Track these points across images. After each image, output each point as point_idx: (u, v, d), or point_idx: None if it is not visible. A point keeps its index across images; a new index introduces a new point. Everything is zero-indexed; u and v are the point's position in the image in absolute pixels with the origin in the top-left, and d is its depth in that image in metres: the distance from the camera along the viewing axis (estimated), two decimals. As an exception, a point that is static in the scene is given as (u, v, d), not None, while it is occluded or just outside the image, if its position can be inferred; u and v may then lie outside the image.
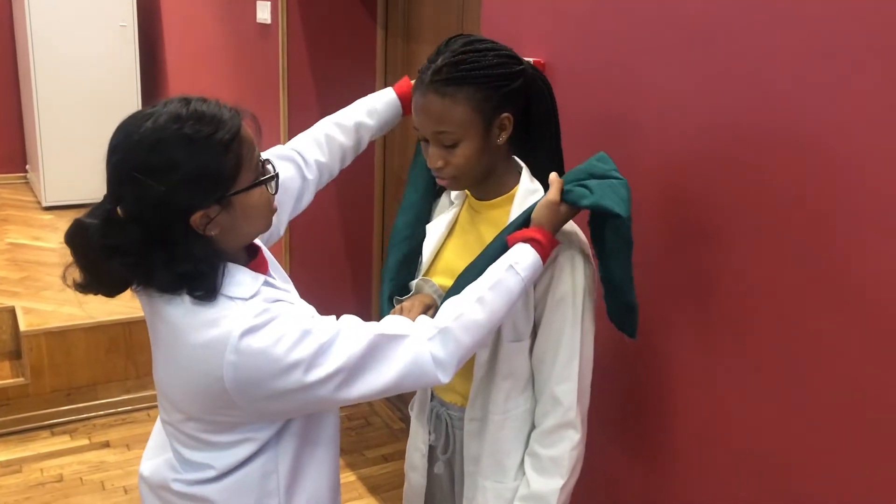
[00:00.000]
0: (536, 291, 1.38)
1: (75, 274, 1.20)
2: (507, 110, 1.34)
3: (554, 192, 1.32)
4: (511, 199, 1.42)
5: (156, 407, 3.47)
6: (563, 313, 1.37)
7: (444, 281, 1.46)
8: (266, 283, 1.22)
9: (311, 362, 1.16)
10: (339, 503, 1.44)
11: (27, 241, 4.43)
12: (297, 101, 3.36)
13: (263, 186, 1.21)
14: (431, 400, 1.58)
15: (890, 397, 1.23)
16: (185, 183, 1.11)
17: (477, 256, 1.40)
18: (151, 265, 1.15)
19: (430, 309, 1.41)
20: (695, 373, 1.57)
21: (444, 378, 1.24)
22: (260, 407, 1.19)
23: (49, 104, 4.96)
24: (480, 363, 1.43)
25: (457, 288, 1.38)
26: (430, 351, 1.23)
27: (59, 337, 3.34)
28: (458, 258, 1.46)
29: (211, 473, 1.26)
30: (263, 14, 3.46)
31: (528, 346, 1.41)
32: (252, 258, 1.29)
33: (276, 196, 1.25)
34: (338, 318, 1.26)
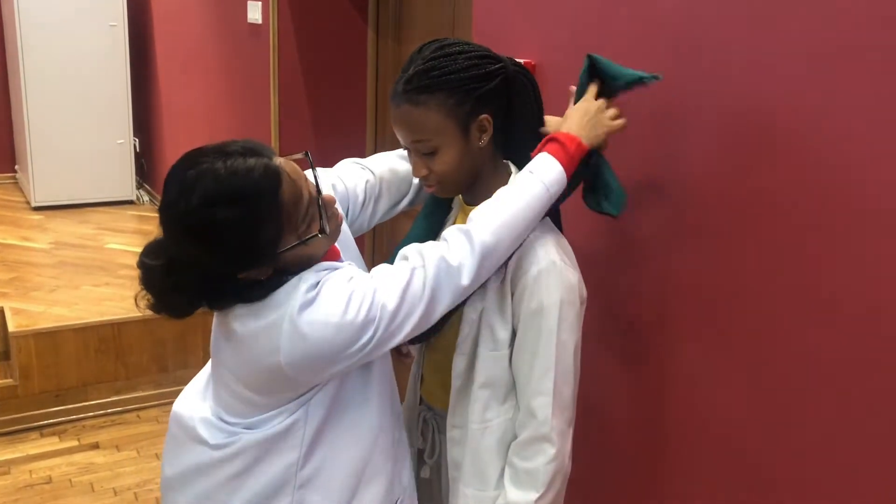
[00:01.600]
0: (513, 302, 1.37)
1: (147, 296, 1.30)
2: (485, 111, 1.32)
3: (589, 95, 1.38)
4: None
5: (146, 408, 3.48)
6: (537, 326, 1.34)
7: None
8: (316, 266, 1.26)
9: (362, 323, 1.19)
10: (396, 468, 1.43)
11: (16, 241, 4.41)
12: (288, 101, 3.36)
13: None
14: (420, 404, 1.58)
15: (887, 397, 1.24)
16: (226, 259, 1.18)
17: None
18: (214, 298, 1.26)
19: None
20: (692, 372, 1.58)
21: (467, 280, 1.24)
22: (316, 377, 1.24)
23: (38, 104, 4.93)
24: (458, 372, 1.42)
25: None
26: (461, 262, 1.24)
27: (49, 338, 3.32)
28: None
29: (242, 426, 1.32)
30: (254, 14, 3.45)
31: (507, 356, 1.39)
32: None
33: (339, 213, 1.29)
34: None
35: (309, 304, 1.19)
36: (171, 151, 4.93)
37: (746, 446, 1.47)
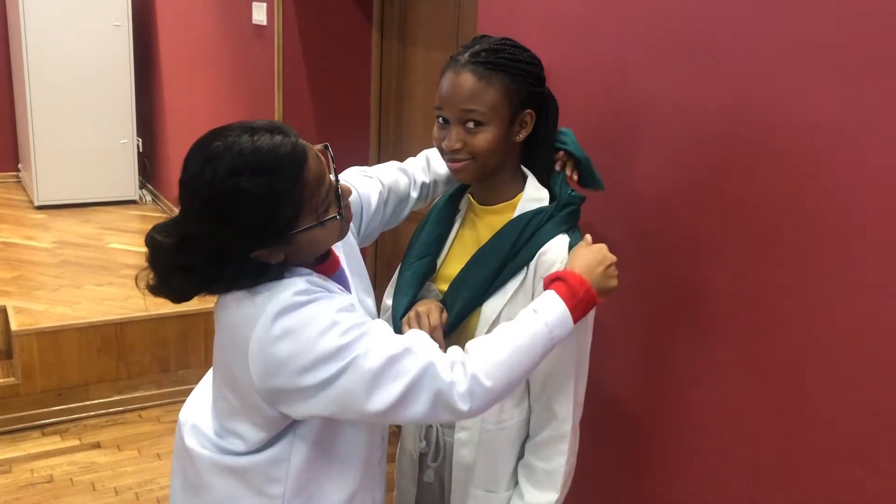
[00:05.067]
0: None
1: (148, 276, 1.25)
2: (533, 109, 1.37)
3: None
4: (513, 207, 1.42)
5: (147, 407, 3.48)
6: None
7: (444, 286, 1.46)
8: (310, 279, 1.23)
9: (334, 356, 1.15)
10: None
11: (19, 240, 4.41)
12: (292, 102, 3.36)
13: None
14: None
15: (883, 397, 1.24)
16: (243, 232, 1.15)
17: (466, 263, 1.41)
18: (216, 280, 1.21)
19: (444, 313, 1.40)
20: (690, 375, 1.57)
21: (464, 406, 1.17)
22: (277, 403, 1.19)
23: (42, 103, 4.94)
24: None
25: (450, 292, 1.39)
26: (453, 378, 1.17)
27: (51, 337, 3.32)
28: (456, 264, 1.46)
29: (237, 446, 1.28)
30: (259, 15, 3.46)
31: None
32: (322, 260, 1.30)
33: (351, 212, 1.29)
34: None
35: (291, 309, 1.16)
36: (175, 151, 4.94)
37: (746, 447, 1.46)
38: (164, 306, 3.57)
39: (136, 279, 1.24)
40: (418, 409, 1.17)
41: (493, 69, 1.31)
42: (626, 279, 1.67)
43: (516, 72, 1.33)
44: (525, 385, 1.41)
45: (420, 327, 1.35)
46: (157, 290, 1.24)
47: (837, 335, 1.29)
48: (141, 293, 1.24)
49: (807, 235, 1.32)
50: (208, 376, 1.41)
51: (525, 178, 1.45)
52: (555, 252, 1.35)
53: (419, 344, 1.20)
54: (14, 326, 3.30)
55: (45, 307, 3.51)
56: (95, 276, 3.93)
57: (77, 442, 3.24)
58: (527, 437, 1.44)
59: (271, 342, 1.15)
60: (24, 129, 5.08)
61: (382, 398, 1.16)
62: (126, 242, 4.49)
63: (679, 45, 1.51)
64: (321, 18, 3.31)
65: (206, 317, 3.60)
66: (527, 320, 1.23)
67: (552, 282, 1.28)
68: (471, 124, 1.33)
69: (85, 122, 5.06)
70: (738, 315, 1.45)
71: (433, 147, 1.46)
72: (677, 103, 1.52)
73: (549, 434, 1.39)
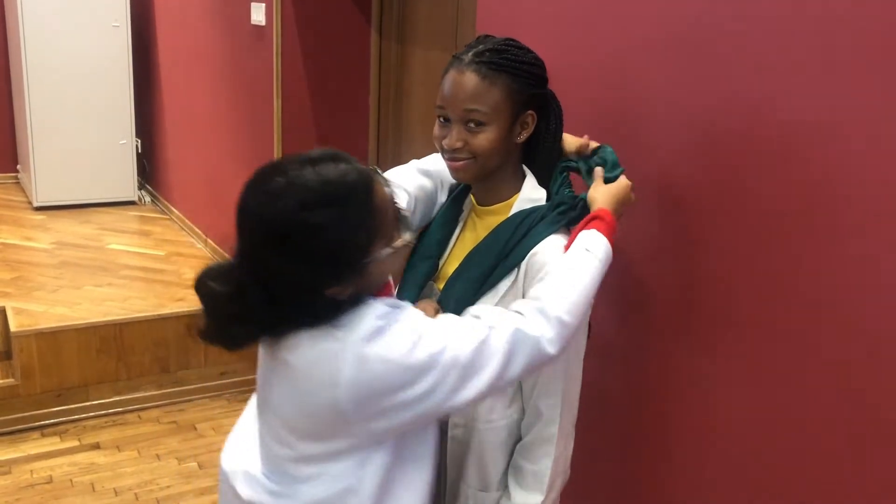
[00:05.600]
0: None
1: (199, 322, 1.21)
2: (534, 111, 1.37)
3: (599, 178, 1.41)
4: (510, 207, 1.42)
5: (147, 408, 3.48)
6: None
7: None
8: (383, 300, 1.21)
9: (430, 364, 1.13)
10: None
11: (18, 241, 4.41)
12: (291, 103, 3.36)
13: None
14: None
15: (882, 398, 1.24)
16: (317, 269, 1.10)
17: (461, 262, 1.41)
18: (281, 322, 1.15)
19: (438, 313, 1.40)
20: (687, 374, 1.58)
21: (553, 349, 1.21)
22: (372, 424, 1.16)
23: (41, 104, 4.93)
24: None
25: (445, 291, 1.39)
26: (540, 331, 1.20)
27: (50, 338, 3.32)
28: (456, 264, 1.46)
29: (293, 485, 1.22)
30: (258, 16, 3.46)
31: None
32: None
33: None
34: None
35: (377, 333, 1.12)
36: (173, 152, 4.94)
37: (746, 448, 1.46)
38: (164, 307, 3.60)
39: (199, 333, 1.20)
40: (515, 372, 1.20)
41: (496, 69, 1.31)
42: (625, 279, 1.68)
43: (519, 73, 1.33)
44: (518, 385, 1.41)
45: None
46: (211, 337, 1.19)
47: (838, 334, 1.29)
48: (192, 337, 1.24)
49: (809, 234, 1.32)
50: (246, 420, 1.37)
51: (525, 178, 1.45)
52: (546, 254, 1.34)
53: (495, 317, 1.21)
54: (13, 327, 3.29)
55: (44, 308, 3.51)
56: (95, 276, 3.93)
57: (76, 443, 3.24)
58: (519, 439, 1.44)
59: (367, 370, 1.11)
60: (23, 129, 5.07)
61: (483, 380, 1.17)
62: (125, 243, 4.48)
63: (679, 43, 1.51)
64: (320, 19, 3.31)
65: (206, 317, 3.60)
66: (584, 259, 1.28)
67: (590, 221, 1.33)
68: (472, 124, 1.33)
69: (84, 122, 5.05)
70: (737, 314, 1.45)
71: (436, 147, 1.46)
72: (677, 102, 1.52)
73: (535, 435, 1.38)
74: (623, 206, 1.40)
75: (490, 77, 1.31)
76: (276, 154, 3.38)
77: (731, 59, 1.41)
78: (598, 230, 1.32)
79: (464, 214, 1.52)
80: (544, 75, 1.39)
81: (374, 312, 1.14)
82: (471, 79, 1.31)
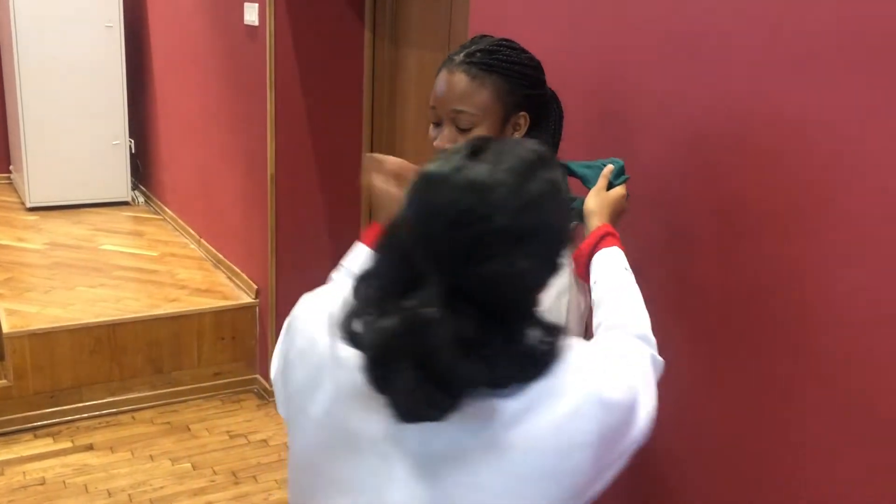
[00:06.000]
0: None
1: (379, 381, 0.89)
2: (525, 111, 1.36)
3: (602, 181, 1.36)
4: None
5: (140, 409, 3.47)
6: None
7: None
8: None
9: (633, 400, 0.98)
10: None
11: (11, 242, 4.39)
12: (284, 103, 3.35)
13: None
14: None
15: (881, 399, 1.24)
16: (547, 252, 0.92)
17: None
18: (491, 354, 0.88)
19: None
20: (686, 377, 1.58)
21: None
22: (597, 485, 0.97)
23: (33, 104, 4.92)
24: None
25: None
26: (655, 351, 1.16)
27: (43, 338, 3.31)
28: None
29: None
30: (251, 16, 3.45)
31: None
32: None
33: None
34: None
35: (611, 376, 0.96)
36: (167, 153, 4.93)
37: (745, 449, 1.47)
38: (157, 307, 3.59)
39: (405, 415, 0.87)
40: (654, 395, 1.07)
41: (486, 70, 1.31)
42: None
43: (510, 73, 1.32)
44: None
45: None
46: (413, 410, 0.87)
47: (831, 333, 1.30)
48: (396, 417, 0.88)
49: (804, 233, 1.32)
50: None
51: None
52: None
53: (637, 339, 1.15)
54: (6, 328, 3.28)
55: (37, 309, 3.50)
56: (88, 277, 3.92)
57: (70, 444, 3.23)
58: None
59: (610, 419, 0.93)
60: (16, 130, 5.06)
61: (652, 409, 1.04)
62: (118, 244, 4.47)
63: (672, 43, 1.51)
64: (313, 19, 3.31)
65: (199, 317, 3.60)
66: (630, 279, 1.26)
67: (604, 237, 1.29)
68: (462, 125, 1.33)
69: (77, 123, 5.04)
70: (734, 314, 1.46)
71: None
72: (670, 102, 1.53)
73: None
74: (619, 218, 1.37)
75: (480, 78, 1.30)
76: (270, 154, 3.38)
77: (727, 59, 1.41)
78: (618, 247, 1.28)
79: None
80: (539, 76, 1.38)
81: (579, 344, 0.96)
82: (461, 79, 1.31)
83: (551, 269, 0.92)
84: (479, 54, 1.32)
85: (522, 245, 0.87)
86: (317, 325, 1.01)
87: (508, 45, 1.36)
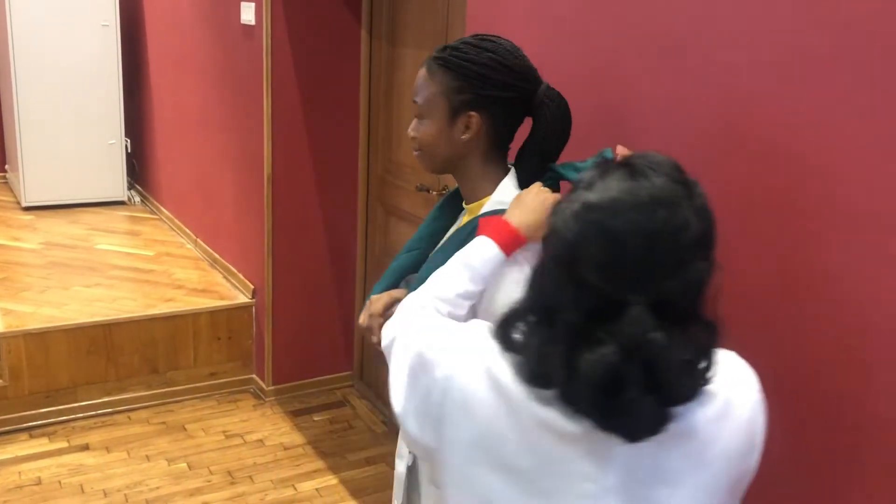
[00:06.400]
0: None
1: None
2: (478, 112, 1.33)
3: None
4: (482, 207, 1.40)
5: (136, 409, 3.47)
6: None
7: None
8: None
9: None
10: None
11: (6, 241, 4.38)
12: (280, 103, 3.35)
13: None
14: None
15: (881, 400, 1.24)
16: (713, 251, 0.93)
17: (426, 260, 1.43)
18: (699, 366, 0.92)
19: (397, 302, 1.39)
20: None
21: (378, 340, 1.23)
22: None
23: (29, 104, 4.91)
24: None
25: (411, 288, 1.36)
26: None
27: (39, 338, 3.31)
28: None
29: None
30: (248, 16, 3.45)
31: None
32: None
33: None
34: None
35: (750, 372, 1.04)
36: (163, 152, 4.92)
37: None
38: (153, 307, 3.59)
39: (640, 431, 0.88)
40: None
41: (440, 66, 1.34)
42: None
43: (462, 71, 1.31)
44: None
45: (366, 312, 1.40)
46: (648, 422, 0.88)
47: (828, 337, 1.30)
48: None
49: (804, 233, 1.32)
50: None
51: (504, 175, 1.41)
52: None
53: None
54: (1, 328, 3.28)
55: (32, 309, 3.49)
56: (83, 277, 3.91)
57: (65, 444, 3.23)
58: None
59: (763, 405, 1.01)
60: (11, 129, 5.05)
61: None
62: (114, 243, 4.47)
63: (669, 45, 1.51)
64: (310, 18, 3.31)
65: (195, 317, 3.60)
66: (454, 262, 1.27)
67: (486, 226, 1.29)
68: (417, 115, 1.38)
69: (73, 122, 5.03)
70: (735, 314, 1.46)
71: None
72: (667, 104, 1.53)
73: None
74: (533, 217, 1.25)
75: (433, 72, 1.34)
76: (266, 154, 3.38)
77: (722, 61, 1.41)
78: (487, 237, 1.25)
79: (464, 211, 1.52)
80: (502, 78, 1.32)
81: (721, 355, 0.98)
82: (421, 73, 1.37)
83: (714, 267, 0.92)
84: (447, 50, 1.35)
85: (703, 249, 0.90)
86: (478, 380, 0.98)
87: (475, 44, 1.33)
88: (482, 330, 1.02)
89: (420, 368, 1.04)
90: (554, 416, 0.92)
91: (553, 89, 1.39)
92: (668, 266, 0.87)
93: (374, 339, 1.41)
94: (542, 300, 0.94)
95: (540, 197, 1.28)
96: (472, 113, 1.33)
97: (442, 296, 1.23)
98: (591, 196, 0.90)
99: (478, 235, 1.28)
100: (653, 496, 0.94)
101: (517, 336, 0.96)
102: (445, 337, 1.07)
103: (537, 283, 0.96)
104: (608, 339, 0.86)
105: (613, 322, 0.86)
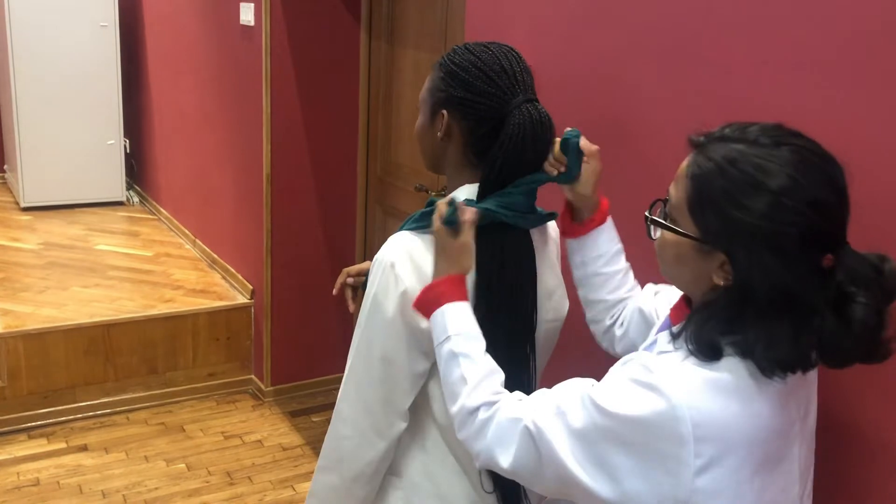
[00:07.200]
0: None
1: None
2: (448, 111, 1.32)
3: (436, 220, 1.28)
4: None
5: (134, 409, 3.47)
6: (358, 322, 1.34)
7: None
8: None
9: None
10: None
11: (5, 241, 4.38)
12: (280, 103, 3.35)
13: None
14: None
15: (880, 401, 1.24)
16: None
17: None
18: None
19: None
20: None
21: None
22: None
23: (28, 104, 4.90)
24: None
25: None
26: None
27: (37, 339, 3.30)
28: None
29: None
30: (247, 16, 3.45)
31: None
32: None
33: None
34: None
35: None
36: (162, 152, 4.92)
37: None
38: (152, 307, 3.58)
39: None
40: None
41: (436, 65, 1.37)
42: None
43: (447, 71, 1.33)
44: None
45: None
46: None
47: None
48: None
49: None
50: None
51: (467, 182, 1.37)
52: (379, 252, 1.33)
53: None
54: (0, 329, 3.28)
55: (31, 309, 3.49)
56: (82, 277, 3.91)
57: (64, 445, 3.22)
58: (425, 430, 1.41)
59: None
60: (10, 129, 5.04)
61: None
62: (113, 244, 4.46)
63: (667, 46, 1.51)
64: (309, 19, 3.31)
65: (194, 318, 3.60)
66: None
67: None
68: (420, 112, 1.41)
69: (72, 122, 5.03)
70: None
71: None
72: (665, 105, 1.53)
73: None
74: (447, 253, 1.25)
75: (434, 69, 1.37)
76: (265, 154, 3.38)
77: (720, 62, 1.41)
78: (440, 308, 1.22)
79: None
80: (472, 80, 1.28)
81: None
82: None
83: None
84: (448, 52, 1.37)
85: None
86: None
87: (471, 49, 1.32)
88: (672, 369, 0.99)
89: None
90: (776, 387, 0.98)
91: (530, 107, 1.27)
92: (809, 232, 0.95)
93: (351, 306, 1.49)
94: (765, 290, 0.95)
95: (448, 243, 1.26)
96: (444, 111, 1.33)
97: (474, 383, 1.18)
98: (780, 181, 0.95)
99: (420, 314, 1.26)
100: (809, 420, 1.10)
101: (731, 340, 0.98)
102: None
103: (741, 280, 0.96)
104: (851, 285, 0.94)
105: (835, 275, 0.94)
